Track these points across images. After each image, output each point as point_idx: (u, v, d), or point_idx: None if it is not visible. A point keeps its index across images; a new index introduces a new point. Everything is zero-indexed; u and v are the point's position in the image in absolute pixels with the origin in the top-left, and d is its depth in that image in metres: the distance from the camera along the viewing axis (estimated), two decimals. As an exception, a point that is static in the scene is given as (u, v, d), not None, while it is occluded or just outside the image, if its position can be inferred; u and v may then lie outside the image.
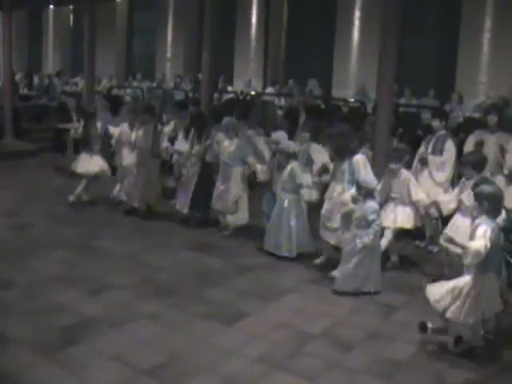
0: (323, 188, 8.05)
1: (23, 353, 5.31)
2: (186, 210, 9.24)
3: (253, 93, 16.98)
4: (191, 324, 5.99)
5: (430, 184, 8.11)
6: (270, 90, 18.63)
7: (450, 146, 8.19)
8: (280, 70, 21.20)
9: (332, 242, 7.53)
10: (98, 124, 10.32)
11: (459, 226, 6.40)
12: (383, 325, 6.17)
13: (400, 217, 7.59)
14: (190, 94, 16.65)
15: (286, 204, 7.95)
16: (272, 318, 6.18)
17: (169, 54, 23.98)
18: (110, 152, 10.48)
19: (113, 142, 10.07)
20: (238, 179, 8.78)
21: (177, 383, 4.95)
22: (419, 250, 8.50)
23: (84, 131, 10.22)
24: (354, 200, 6.94)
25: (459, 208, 6.66)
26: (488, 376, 5.25)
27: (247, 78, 20.12)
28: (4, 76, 15.87)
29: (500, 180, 7.77)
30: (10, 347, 5.39)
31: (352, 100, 15.50)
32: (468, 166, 6.60)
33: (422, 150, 8.44)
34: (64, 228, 8.96)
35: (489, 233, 5.10)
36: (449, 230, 6.53)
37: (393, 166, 7.59)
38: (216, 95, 15.39)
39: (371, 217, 6.78)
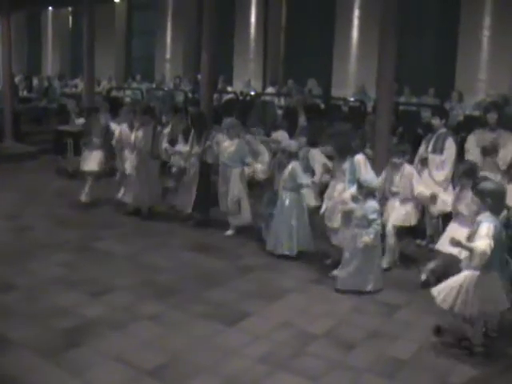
0: (323, 188, 8.04)
1: (25, 355, 5.30)
2: (189, 210, 9.24)
3: (252, 93, 16.97)
4: (193, 324, 5.99)
5: (430, 183, 8.10)
6: (270, 89, 18.62)
7: (450, 145, 8.18)
8: (279, 70, 21.19)
9: (333, 241, 7.52)
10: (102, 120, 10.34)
11: (455, 234, 6.39)
12: (385, 324, 6.16)
13: (401, 215, 7.58)
14: (190, 95, 16.65)
15: (287, 203, 7.95)
16: (274, 318, 6.17)
17: (168, 55, 23.97)
18: (111, 151, 10.47)
19: (113, 142, 10.07)
20: (237, 180, 8.78)
21: (179, 383, 4.96)
22: (420, 249, 8.49)
23: (85, 125, 10.18)
24: (354, 199, 6.94)
25: (456, 217, 6.66)
26: (491, 374, 5.24)
27: (247, 78, 20.11)
28: (3, 78, 15.87)
29: (499, 178, 7.76)
30: (12, 350, 5.38)
31: (352, 99, 15.50)
32: (463, 176, 6.62)
33: (422, 148, 8.43)
34: (64, 230, 8.96)
35: (492, 231, 5.09)
36: (444, 239, 6.56)
37: (396, 159, 7.60)
38: (215, 96, 15.39)
39: (372, 216, 6.78)
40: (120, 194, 9.84)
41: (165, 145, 9.63)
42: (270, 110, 14.35)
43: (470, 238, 5.27)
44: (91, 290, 6.73)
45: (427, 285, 6.90)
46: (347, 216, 7.04)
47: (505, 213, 5.82)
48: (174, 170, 10.15)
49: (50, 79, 23.18)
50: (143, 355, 5.33)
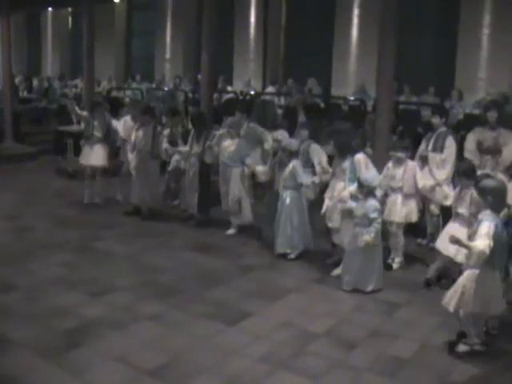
0: (323, 188, 8.03)
1: (26, 355, 5.30)
2: (194, 211, 9.25)
3: (252, 92, 16.97)
4: (194, 324, 5.98)
5: (422, 176, 8.08)
6: (270, 89, 18.61)
7: (450, 143, 8.16)
8: (279, 69, 21.18)
9: (335, 240, 7.51)
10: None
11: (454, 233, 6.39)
12: (386, 323, 6.16)
13: (403, 212, 7.59)
14: (190, 95, 16.64)
15: (287, 201, 7.94)
16: (275, 318, 6.17)
17: (168, 55, 23.95)
18: (113, 149, 10.47)
19: (119, 139, 10.09)
20: (237, 180, 8.78)
21: (180, 383, 4.96)
22: (421, 248, 8.49)
23: (88, 118, 10.16)
24: (353, 197, 6.93)
25: (455, 217, 6.65)
26: (492, 373, 5.23)
27: (246, 77, 20.10)
28: (3, 79, 15.86)
29: (500, 177, 7.75)
30: (13, 350, 5.38)
31: (352, 98, 15.49)
32: (463, 176, 6.60)
33: (422, 147, 8.42)
34: (64, 230, 8.95)
35: (492, 230, 5.05)
36: (442, 238, 6.55)
37: (400, 154, 7.60)
38: (215, 95, 15.39)
39: (372, 215, 6.77)
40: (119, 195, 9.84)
41: (165, 145, 9.62)
42: (270, 109, 14.34)
43: (471, 236, 5.25)
44: (91, 290, 6.72)
45: (429, 284, 6.93)
46: (347, 215, 7.03)
47: (505, 211, 5.80)
48: (170, 168, 10.14)
49: (50, 80, 23.16)
50: (144, 355, 5.33)
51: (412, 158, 8.20)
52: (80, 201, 10.43)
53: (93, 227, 9.15)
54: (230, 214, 8.91)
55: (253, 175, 8.83)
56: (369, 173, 7.11)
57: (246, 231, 8.90)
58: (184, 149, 9.42)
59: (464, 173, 6.60)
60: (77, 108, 10.37)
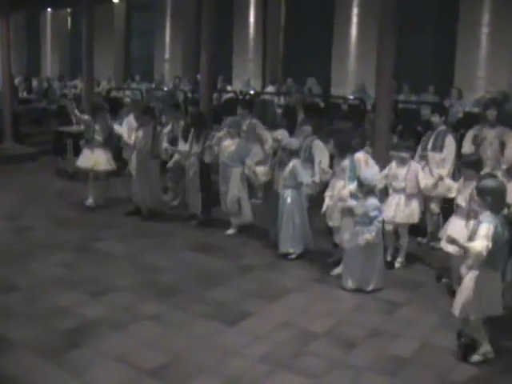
0: (323, 187, 8.03)
1: (26, 356, 5.30)
2: (198, 211, 9.24)
3: (252, 92, 16.97)
4: (194, 324, 5.98)
5: (424, 176, 8.07)
6: (269, 89, 18.60)
7: (450, 142, 8.17)
8: (279, 69, 21.16)
9: (335, 240, 7.50)
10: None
11: (455, 229, 6.37)
12: (386, 322, 6.16)
13: (406, 213, 7.58)
14: (189, 95, 16.64)
15: (288, 200, 7.93)
16: (275, 318, 6.16)
17: (167, 55, 23.95)
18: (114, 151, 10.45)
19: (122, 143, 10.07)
20: (237, 179, 8.77)
21: (180, 383, 4.94)
22: (421, 247, 8.49)
23: (89, 122, 10.12)
24: (353, 196, 6.92)
25: (456, 210, 6.63)
26: (492, 372, 5.23)
27: (246, 77, 20.09)
28: (3, 80, 15.84)
29: (500, 175, 7.74)
30: (13, 350, 5.38)
31: (351, 98, 15.49)
32: (468, 167, 6.52)
33: (421, 146, 8.42)
34: (64, 230, 8.95)
35: (491, 231, 5.01)
36: (444, 233, 6.54)
37: (403, 154, 7.60)
38: (215, 95, 15.39)
39: (373, 213, 6.77)
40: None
41: (165, 144, 9.62)
42: (270, 109, 14.35)
43: (471, 237, 5.22)
44: (91, 290, 6.72)
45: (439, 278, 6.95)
46: (347, 213, 7.03)
47: (505, 211, 5.77)
48: (169, 164, 10.12)
49: (50, 80, 23.15)
50: (144, 355, 5.33)
51: (411, 157, 8.21)
52: (80, 201, 10.41)
53: (93, 227, 9.14)
54: (230, 214, 8.90)
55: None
56: (369, 171, 7.09)
57: (246, 231, 8.89)
58: (184, 148, 9.41)
59: (471, 164, 6.52)
60: (77, 111, 10.33)
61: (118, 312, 6.21)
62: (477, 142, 8.16)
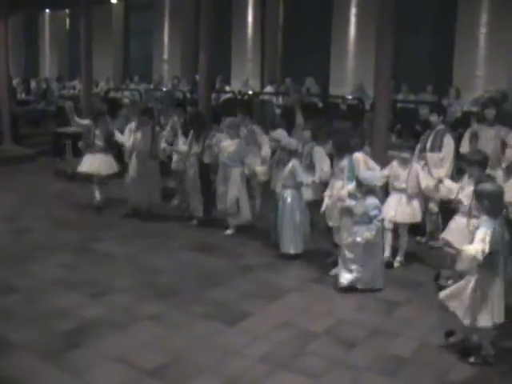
0: (323, 188, 8.03)
1: (26, 357, 5.30)
2: (200, 213, 9.24)
3: (250, 92, 16.97)
4: (193, 325, 5.98)
5: (425, 176, 8.07)
6: (268, 89, 18.60)
7: (448, 141, 8.18)
8: (277, 69, 21.16)
9: (335, 240, 7.50)
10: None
11: (458, 227, 6.37)
12: (386, 322, 6.16)
13: (408, 212, 7.59)
14: (188, 95, 16.64)
15: (288, 200, 7.94)
16: (274, 318, 6.17)
17: (166, 56, 23.94)
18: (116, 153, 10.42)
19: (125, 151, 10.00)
20: (236, 180, 8.78)
21: (180, 383, 4.96)
22: (420, 246, 8.49)
23: (89, 127, 10.10)
24: (351, 195, 6.92)
25: (459, 209, 6.61)
26: (491, 373, 5.23)
27: (244, 77, 20.08)
28: (1, 81, 15.82)
29: (499, 174, 7.75)
30: (13, 352, 5.38)
31: (350, 97, 15.49)
32: (474, 165, 6.46)
33: (420, 145, 8.43)
34: (63, 232, 8.95)
35: (489, 235, 4.96)
36: (447, 232, 6.53)
37: (405, 155, 7.60)
38: (214, 95, 15.38)
39: (373, 212, 6.78)
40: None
41: (163, 144, 9.62)
42: (269, 109, 14.34)
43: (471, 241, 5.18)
44: (91, 291, 6.72)
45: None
46: (345, 213, 7.03)
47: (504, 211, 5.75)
48: (173, 166, 10.10)
49: (48, 81, 23.13)
50: (144, 356, 5.33)
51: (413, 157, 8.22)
52: (79, 202, 10.43)
53: (92, 228, 9.14)
54: (228, 214, 8.90)
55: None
56: (368, 171, 7.10)
57: (245, 231, 8.89)
58: (183, 148, 9.41)
59: (476, 162, 6.45)
60: (76, 117, 10.30)
61: (117, 313, 6.21)
62: (474, 140, 8.15)
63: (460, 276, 6.22)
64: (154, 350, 5.45)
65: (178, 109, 10.68)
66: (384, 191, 7.89)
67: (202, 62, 11.66)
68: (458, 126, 10.20)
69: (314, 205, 8.07)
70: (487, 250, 4.92)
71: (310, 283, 7.18)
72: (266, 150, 9.39)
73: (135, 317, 6.11)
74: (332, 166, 7.94)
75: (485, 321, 5.15)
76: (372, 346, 5.65)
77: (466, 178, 6.66)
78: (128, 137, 9.71)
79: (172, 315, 6.18)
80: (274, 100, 16.14)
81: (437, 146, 8.19)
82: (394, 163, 7.73)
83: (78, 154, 10.55)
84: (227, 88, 18.79)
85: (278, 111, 14.27)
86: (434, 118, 8.36)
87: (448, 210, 7.10)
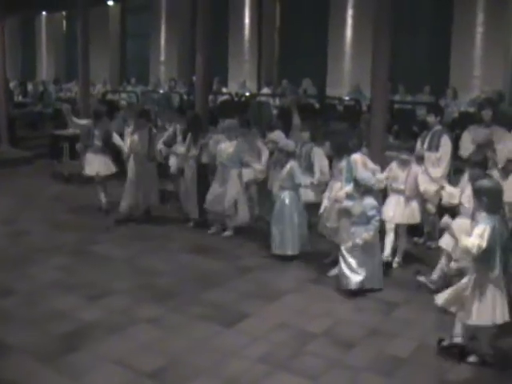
0: (325, 189, 8.04)
1: (24, 360, 5.29)
2: (196, 215, 9.22)
3: (247, 94, 16.97)
4: (191, 326, 5.98)
5: (425, 179, 8.09)
6: (265, 90, 18.61)
7: (445, 142, 8.18)
8: (274, 70, 21.18)
9: (335, 241, 7.49)
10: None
11: (459, 229, 6.35)
12: (384, 322, 6.17)
13: (406, 213, 7.59)
14: (185, 97, 16.64)
15: (286, 202, 7.95)
16: (273, 319, 6.17)
17: (162, 58, 23.94)
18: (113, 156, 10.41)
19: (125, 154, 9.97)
20: (235, 181, 8.78)
21: (178, 386, 4.95)
22: (418, 247, 8.50)
23: (88, 127, 10.09)
24: (349, 197, 6.93)
25: (461, 211, 6.59)
26: (489, 373, 5.23)
27: (241, 79, 20.09)
28: (-2, 84, 15.84)
29: (495, 175, 7.75)
30: (11, 355, 5.38)
31: (347, 98, 15.50)
32: (475, 167, 6.43)
33: (418, 146, 8.43)
34: (61, 234, 8.94)
35: (488, 233, 4.94)
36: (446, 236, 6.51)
37: (405, 156, 7.60)
38: (211, 97, 15.38)
39: (371, 213, 6.78)
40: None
41: (160, 146, 9.61)
42: (266, 110, 14.35)
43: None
44: (89, 293, 6.72)
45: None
46: (343, 214, 7.04)
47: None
48: (172, 169, 10.06)
49: (45, 84, 23.13)
50: (142, 358, 5.33)
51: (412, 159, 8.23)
52: (76, 205, 10.43)
53: (89, 231, 9.13)
54: (226, 215, 8.89)
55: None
56: (366, 172, 7.11)
57: (243, 233, 8.90)
58: (180, 150, 9.40)
59: (477, 163, 6.45)
60: (74, 118, 10.30)
61: (115, 315, 6.21)
62: (475, 143, 8.14)
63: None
64: (153, 352, 5.45)
65: (181, 116, 10.57)
66: (383, 193, 7.89)
67: (198, 64, 11.66)
68: (455, 127, 10.21)
69: (315, 206, 8.07)
70: (484, 246, 4.91)
71: (309, 284, 7.18)
72: (266, 156, 9.36)
73: (133, 319, 6.10)
74: (331, 167, 7.95)
75: (485, 319, 5.12)
76: (370, 346, 5.65)
77: (465, 179, 6.66)
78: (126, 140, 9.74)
79: (170, 317, 6.18)
80: (271, 101, 16.14)
81: (434, 146, 8.20)
82: (393, 164, 7.73)
83: (76, 157, 10.53)
84: (224, 90, 18.79)
85: (275, 113, 14.27)
86: (431, 119, 8.36)
87: (445, 210, 7.10)
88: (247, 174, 9.10)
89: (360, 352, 5.54)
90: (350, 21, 18.36)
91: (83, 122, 10.32)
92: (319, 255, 7.90)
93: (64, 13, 28.50)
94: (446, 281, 6.48)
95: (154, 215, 9.78)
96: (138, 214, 9.64)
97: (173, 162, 9.90)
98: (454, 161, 8.23)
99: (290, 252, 7.91)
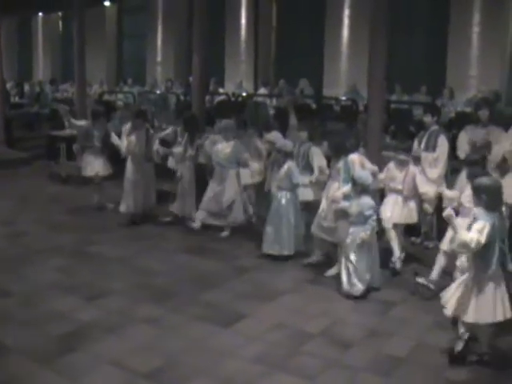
0: (323, 187, 8.04)
1: (22, 361, 5.29)
2: (191, 215, 9.21)
3: (244, 94, 16.98)
4: (188, 327, 5.98)
5: (423, 181, 8.10)
6: (262, 90, 18.62)
7: (442, 142, 8.18)
8: (271, 70, 21.21)
9: (330, 239, 7.49)
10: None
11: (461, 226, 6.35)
12: (381, 322, 6.18)
13: (404, 213, 7.60)
14: (182, 98, 16.65)
15: (283, 202, 7.96)
16: (269, 319, 6.17)
17: (159, 58, 23.97)
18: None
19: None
20: (233, 181, 8.79)
21: (176, 386, 4.96)
22: (415, 246, 8.51)
23: (86, 128, 10.09)
24: (346, 197, 6.93)
25: (461, 211, 6.57)
26: (487, 372, 5.24)
27: (238, 79, 20.12)
28: (-5, 84, 15.83)
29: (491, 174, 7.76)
30: (9, 356, 5.37)
31: (343, 98, 15.52)
32: (473, 166, 6.44)
33: (415, 146, 8.44)
34: (58, 235, 8.93)
35: (487, 230, 4.92)
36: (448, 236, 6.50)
37: (402, 157, 7.61)
38: (207, 98, 15.39)
39: (368, 212, 6.78)
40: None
41: (156, 146, 9.61)
42: (263, 110, 14.34)
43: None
44: (86, 294, 6.71)
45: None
46: (340, 214, 7.04)
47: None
48: (178, 175, 9.91)
49: (42, 84, 23.11)
50: (139, 358, 5.33)
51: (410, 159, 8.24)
52: (74, 206, 10.42)
53: (87, 231, 9.12)
54: (221, 214, 8.86)
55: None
56: (364, 171, 7.11)
57: (240, 233, 8.90)
58: (177, 150, 9.39)
59: (476, 163, 6.47)
60: (72, 119, 10.28)
61: (113, 315, 6.21)
62: (472, 143, 8.15)
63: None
64: (150, 353, 5.45)
65: (178, 117, 10.56)
66: (380, 193, 7.90)
67: (195, 65, 11.66)
68: (452, 127, 10.22)
69: (313, 205, 8.07)
70: (483, 242, 4.90)
71: (306, 284, 7.18)
72: (264, 154, 9.37)
73: (131, 319, 6.10)
74: (329, 166, 7.95)
75: (485, 317, 5.11)
76: (368, 346, 5.66)
77: (463, 178, 6.66)
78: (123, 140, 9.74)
79: (167, 318, 6.18)
80: (267, 102, 16.15)
81: (431, 146, 8.19)
82: (391, 165, 7.73)
83: (72, 157, 10.53)
84: (221, 90, 18.81)
85: (271, 113, 14.27)
86: (427, 119, 8.36)
87: (442, 210, 7.10)
88: (245, 178, 9.10)
89: (357, 352, 5.54)
90: (346, 21, 18.41)
91: (81, 123, 10.33)
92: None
93: (60, 13, 28.51)
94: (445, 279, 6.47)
95: (150, 216, 9.75)
96: (139, 214, 9.60)
97: (171, 162, 9.91)
98: (451, 161, 8.23)
99: (285, 252, 7.91)
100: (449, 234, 6.38)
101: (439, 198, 7.70)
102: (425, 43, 17.54)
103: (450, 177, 8.13)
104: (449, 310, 5.24)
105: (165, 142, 9.84)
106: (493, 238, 4.99)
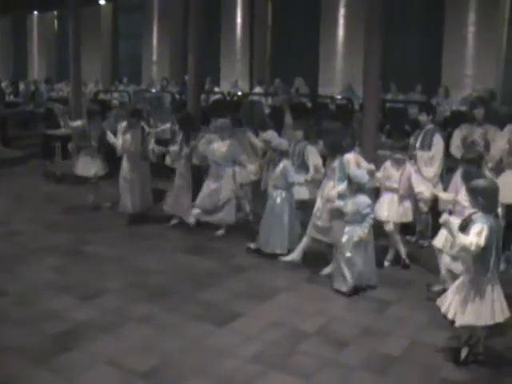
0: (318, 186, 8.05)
1: (17, 361, 5.27)
2: (185, 214, 9.19)
3: (240, 93, 16.97)
4: (185, 326, 5.98)
5: (419, 180, 8.10)
6: (257, 89, 18.63)
7: (437, 141, 8.19)
8: (266, 69, 21.22)
9: (325, 239, 7.50)
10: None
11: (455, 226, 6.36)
12: (377, 320, 6.19)
13: (399, 212, 7.61)
14: (177, 96, 16.64)
15: (278, 201, 7.97)
16: (266, 318, 6.18)
17: (155, 57, 23.94)
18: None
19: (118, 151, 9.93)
20: (229, 179, 8.78)
21: (172, 385, 4.95)
22: (410, 245, 8.51)
23: (82, 128, 10.09)
24: (341, 196, 6.94)
25: (456, 210, 6.57)
26: (482, 370, 5.25)
27: (234, 78, 20.12)
28: (-11, 84, 15.82)
29: (487, 174, 7.76)
30: (4, 356, 5.35)
31: (339, 97, 15.53)
32: (470, 164, 6.38)
33: (410, 145, 8.44)
34: (54, 234, 8.92)
35: (486, 232, 4.92)
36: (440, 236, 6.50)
37: (399, 155, 7.61)
38: (203, 97, 15.39)
39: (365, 211, 6.79)
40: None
41: (152, 145, 9.59)
42: (258, 109, 14.34)
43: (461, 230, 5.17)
44: (82, 293, 6.70)
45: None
46: (335, 213, 7.05)
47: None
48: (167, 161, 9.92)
49: (37, 83, 23.06)
50: (135, 358, 5.32)
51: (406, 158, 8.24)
52: (69, 205, 10.40)
53: (82, 231, 9.11)
54: (214, 212, 8.84)
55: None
56: (359, 170, 7.12)
57: (236, 232, 8.90)
58: (173, 148, 9.37)
59: (471, 161, 6.41)
60: (69, 120, 10.27)
61: (109, 315, 6.20)
62: (466, 142, 8.17)
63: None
64: (146, 352, 5.44)
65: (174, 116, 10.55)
66: (375, 191, 7.91)
67: (190, 64, 11.65)
68: (448, 126, 10.24)
69: (309, 204, 8.07)
70: (482, 244, 4.89)
71: (301, 283, 7.19)
72: (260, 151, 9.37)
73: (127, 319, 6.10)
74: (325, 165, 7.96)
75: (485, 319, 5.11)
76: (363, 344, 5.67)
77: (458, 178, 6.65)
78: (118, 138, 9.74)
79: (163, 317, 6.18)
80: (263, 101, 16.15)
81: (426, 145, 8.21)
82: (387, 163, 7.74)
83: (68, 157, 10.51)
84: (216, 89, 18.80)
85: (267, 112, 14.28)
86: (423, 118, 8.38)
87: (438, 209, 7.13)
88: (242, 177, 9.10)
89: (353, 350, 5.55)
90: (341, 20, 18.43)
91: (77, 123, 10.32)
92: (312, 254, 7.89)
93: (55, 12, 28.45)
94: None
95: (146, 215, 9.74)
96: (137, 213, 9.58)
97: (168, 160, 9.90)
98: (446, 159, 8.24)
99: (278, 250, 7.91)
100: (442, 231, 6.40)
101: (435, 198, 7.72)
102: (420, 42, 17.57)
103: (445, 176, 8.15)
104: (451, 314, 5.23)
105: (161, 141, 9.83)
106: (491, 241, 4.98)
